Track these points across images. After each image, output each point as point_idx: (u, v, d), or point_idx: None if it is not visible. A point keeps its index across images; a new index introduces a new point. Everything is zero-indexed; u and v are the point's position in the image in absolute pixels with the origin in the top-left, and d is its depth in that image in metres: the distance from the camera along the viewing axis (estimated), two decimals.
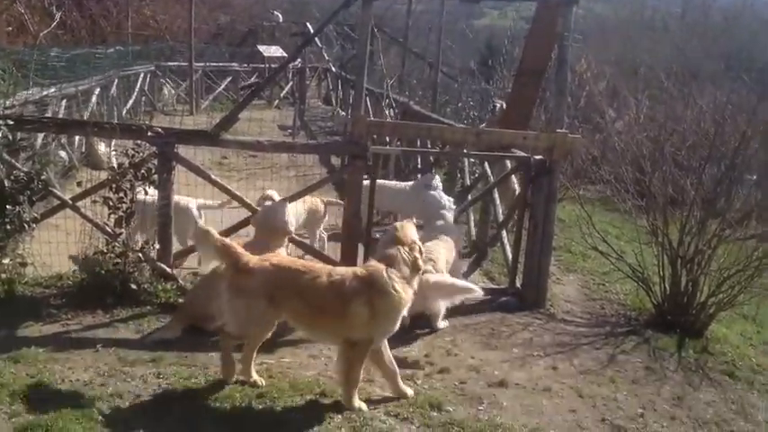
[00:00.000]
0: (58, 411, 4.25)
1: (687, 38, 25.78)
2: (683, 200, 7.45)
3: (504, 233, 8.29)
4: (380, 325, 4.64)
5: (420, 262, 4.81)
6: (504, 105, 13.33)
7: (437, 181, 8.51)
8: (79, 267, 6.56)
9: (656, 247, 7.12)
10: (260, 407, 4.58)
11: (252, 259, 4.79)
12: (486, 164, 9.65)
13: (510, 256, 7.76)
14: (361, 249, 7.20)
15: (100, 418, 4.26)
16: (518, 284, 7.39)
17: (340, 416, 4.56)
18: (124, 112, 16.97)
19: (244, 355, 4.91)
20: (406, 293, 4.63)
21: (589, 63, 15.17)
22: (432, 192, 8.09)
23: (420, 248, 4.90)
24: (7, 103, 8.25)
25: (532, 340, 6.29)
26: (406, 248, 4.76)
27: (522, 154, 7.75)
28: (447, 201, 7.70)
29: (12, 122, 6.67)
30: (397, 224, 5.07)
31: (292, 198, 7.27)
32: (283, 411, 4.57)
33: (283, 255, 5.64)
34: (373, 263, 4.77)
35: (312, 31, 21.22)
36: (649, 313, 7.12)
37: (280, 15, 29.48)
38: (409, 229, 4.91)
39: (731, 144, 8.17)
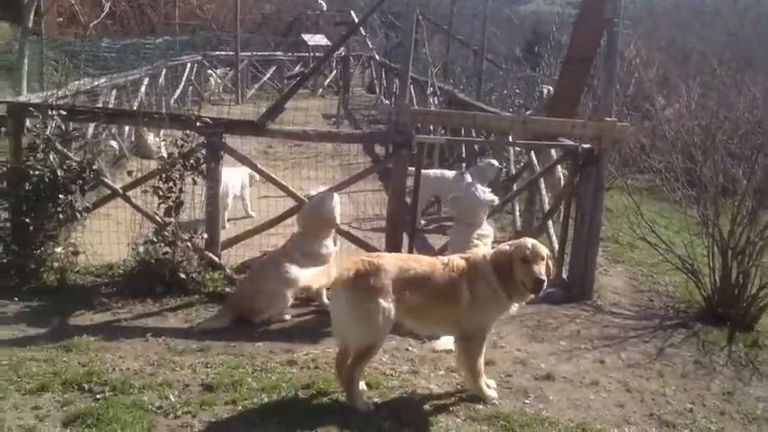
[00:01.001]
0: (108, 400, 4.36)
1: (740, 23, 25.03)
2: (734, 190, 7.28)
3: (549, 223, 8.20)
4: (483, 311, 4.68)
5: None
6: (552, 91, 13.15)
7: (491, 170, 8.32)
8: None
9: (707, 239, 6.97)
10: (306, 397, 4.63)
11: (367, 259, 4.58)
12: (533, 153, 9.56)
13: (556, 246, 7.67)
14: (405, 239, 7.21)
15: (150, 407, 4.34)
16: (564, 276, 7.32)
17: (386, 407, 4.58)
18: (172, 101, 17.18)
19: (353, 374, 4.55)
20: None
21: (639, 49, 14.89)
22: (472, 185, 7.79)
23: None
24: (59, 93, 8.44)
25: (579, 333, 6.22)
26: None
27: (570, 143, 7.65)
28: (486, 197, 7.21)
29: (64, 113, 6.84)
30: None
31: (338, 188, 7.30)
32: (330, 402, 4.60)
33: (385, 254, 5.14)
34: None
35: (356, 19, 21.20)
36: (699, 306, 6.99)
37: (324, 4, 29.51)
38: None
39: None
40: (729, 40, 20.86)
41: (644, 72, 13.58)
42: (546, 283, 4.54)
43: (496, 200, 6.98)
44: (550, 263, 4.75)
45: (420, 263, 4.69)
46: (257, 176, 8.51)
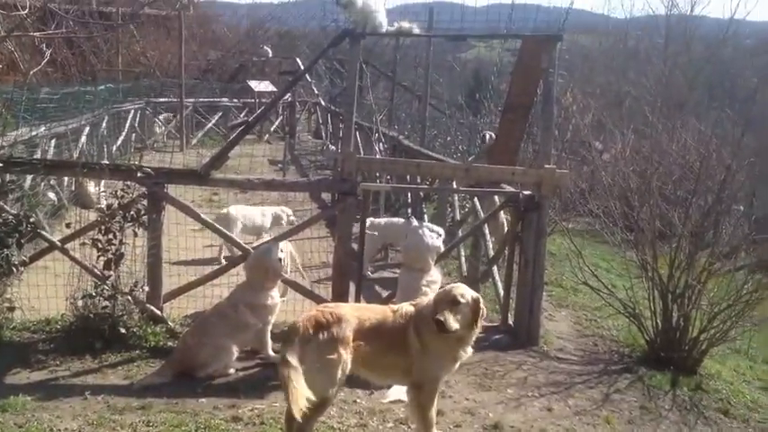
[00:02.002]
0: None
1: (671, 69, 26.08)
2: (671, 233, 7.48)
3: (494, 269, 8.28)
4: (432, 360, 4.64)
5: (480, 319, 4.69)
6: (493, 137, 13.39)
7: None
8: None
9: (647, 282, 7.13)
10: None
11: (328, 310, 4.54)
12: (476, 199, 9.69)
13: (501, 292, 7.74)
14: (352, 288, 7.18)
15: None
16: (510, 321, 7.37)
17: None
18: (114, 148, 16.94)
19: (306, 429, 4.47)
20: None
21: (575, 96, 15.34)
22: (418, 231, 7.79)
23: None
24: None
25: (527, 380, 6.25)
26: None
27: (511, 189, 7.78)
28: (434, 242, 6.97)
29: (1, 164, 6.66)
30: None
31: (283, 237, 7.25)
32: None
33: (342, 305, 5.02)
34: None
35: (302, 66, 21.36)
36: (642, 349, 7.11)
37: (269, 50, 29.63)
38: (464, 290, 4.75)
39: (717, 177, 8.25)
40: (661, 85, 21.70)
41: (580, 118, 13.97)
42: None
43: (442, 246, 7.03)
44: (482, 305, 4.68)
45: (374, 311, 4.70)
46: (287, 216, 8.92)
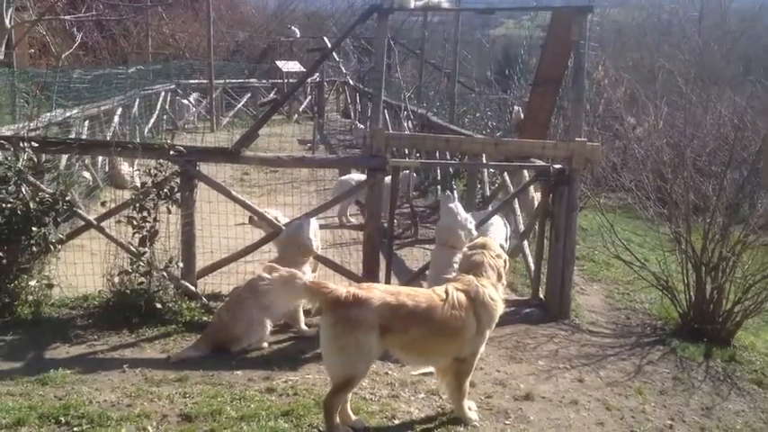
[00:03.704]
0: None
1: (705, 42, 25.55)
2: (705, 206, 7.39)
3: (525, 243, 8.26)
4: (484, 335, 4.67)
5: (503, 270, 4.87)
6: (522, 111, 13.31)
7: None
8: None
9: (680, 255, 7.06)
10: (286, 425, 4.59)
11: (351, 290, 4.38)
12: (506, 174, 9.65)
13: (532, 266, 7.73)
14: (383, 263, 7.23)
15: None
16: (541, 295, 7.37)
17: None
18: (146, 130, 17.15)
19: (333, 403, 4.38)
20: (500, 300, 4.72)
21: (606, 70, 15.10)
22: (454, 208, 7.74)
23: (506, 259, 4.98)
24: (31, 125, 8.38)
25: (558, 352, 6.25)
26: (493, 254, 4.83)
27: (542, 163, 7.74)
28: (464, 220, 6.97)
29: (36, 145, 6.79)
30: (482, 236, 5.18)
31: (314, 213, 7.30)
32: (309, 429, 4.57)
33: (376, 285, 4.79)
34: (463, 275, 4.78)
35: (329, 45, 21.34)
36: (675, 322, 7.06)
37: (297, 31, 29.67)
38: (493, 239, 4.99)
39: (752, 148, 8.12)
40: (695, 58, 21.30)
41: (612, 92, 13.77)
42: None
43: (473, 230, 6.92)
44: (504, 259, 4.94)
45: (415, 298, 4.49)
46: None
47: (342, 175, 11.68)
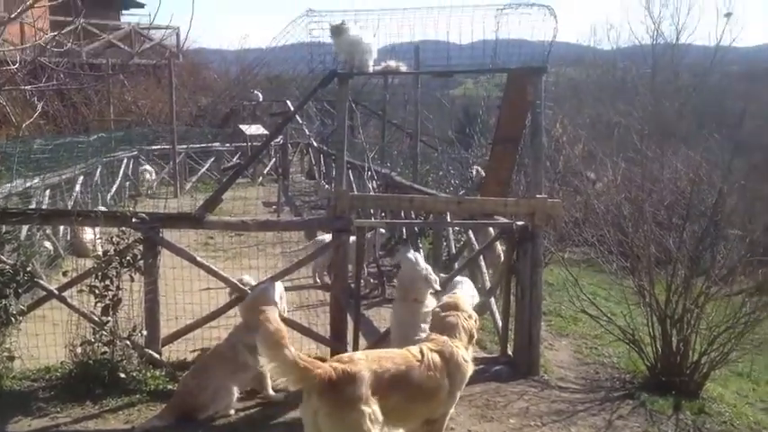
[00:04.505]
0: None
1: (658, 98, 26.42)
2: (667, 259, 7.51)
3: (492, 300, 8.29)
4: (455, 396, 4.67)
5: (475, 331, 4.92)
6: (483, 171, 13.50)
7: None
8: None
9: (645, 308, 7.14)
10: None
11: (338, 367, 4.19)
12: (470, 231, 9.73)
13: (500, 323, 7.74)
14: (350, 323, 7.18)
15: None
16: (510, 352, 7.36)
17: None
18: (108, 197, 17.00)
19: None
20: (470, 361, 4.76)
21: (565, 127, 15.50)
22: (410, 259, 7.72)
23: (476, 319, 5.03)
24: None
25: (528, 410, 6.22)
26: (465, 315, 4.85)
27: (505, 220, 7.83)
28: (425, 270, 6.81)
29: None
30: (453, 295, 5.25)
31: (280, 276, 7.26)
32: None
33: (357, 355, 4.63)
34: (435, 335, 4.76)
35: (292, 108, 21.57)
36: (643, 375, 7.10)
37: (260, 95, 29.92)
38: (465, 299, 5.03)
39: (709, 201, 8.34)
40: (650, 114, 21.96)
41: (571, 149, 14.11)
42: None
43: (435, 280, 6.88)
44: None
45: (394, 361, 4.42)
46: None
47: (308, 238, 11.68)
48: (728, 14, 44.51)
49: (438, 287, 6.56)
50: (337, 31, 7.30)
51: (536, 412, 6.17)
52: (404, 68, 8.51)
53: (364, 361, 4.32)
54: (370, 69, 7.65)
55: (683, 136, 17.98)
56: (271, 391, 6.26)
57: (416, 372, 4.43)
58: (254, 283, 7.11)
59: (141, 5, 33.52)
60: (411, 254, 6.77)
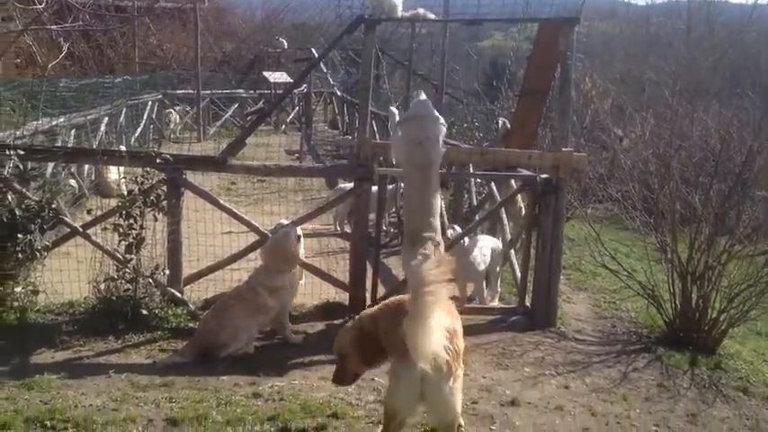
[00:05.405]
0: None
1: (693, 54, 25.81)
2: (692, 216, 7.43)
3: (512, 252, 8.28)
4: None
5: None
6: (509, 123, 13.35)
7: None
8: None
9: (666, 265, 7.09)
10: (272, 429, 4.57)
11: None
12: (493, 183, 9.67)
13: (519, 275, 7.75)
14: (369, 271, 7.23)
15: None
16: (528, 303, 7.37)
17: None
18: (133, 140, 17.09)
19: None
20: None
21: (594, 81, 15.25)
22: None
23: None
24: (17, 133, 8.34)
25: (544, 359, 6.26)
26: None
27: (528, 173, 7.77)
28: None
29: (22, 152, 6.77)
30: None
31: (301, 222, 7.29)
32: None
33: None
34: None
35: (317, 55, 21.37)
36: (661, 330, 7.09)
37: (285, 42, 29.70)
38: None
39: (738, 160, 8.19)
40: (683, 70, 21.49)
41: (600, 104, 13.89)
42: None
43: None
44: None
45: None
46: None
47: (329, 186, 11.70)
48: None
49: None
50: None
51: (551, 362, 6.20)
52: (432, 16, 8.35)
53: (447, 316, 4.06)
54: (399, 15, 7.53)
55: (717, 93, 17.59)
56: (290, 333, 6.35)
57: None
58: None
59: None
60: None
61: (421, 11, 8.37)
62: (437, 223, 6.10)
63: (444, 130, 6.44)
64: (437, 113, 6.49)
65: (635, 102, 14.99)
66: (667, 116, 10.79)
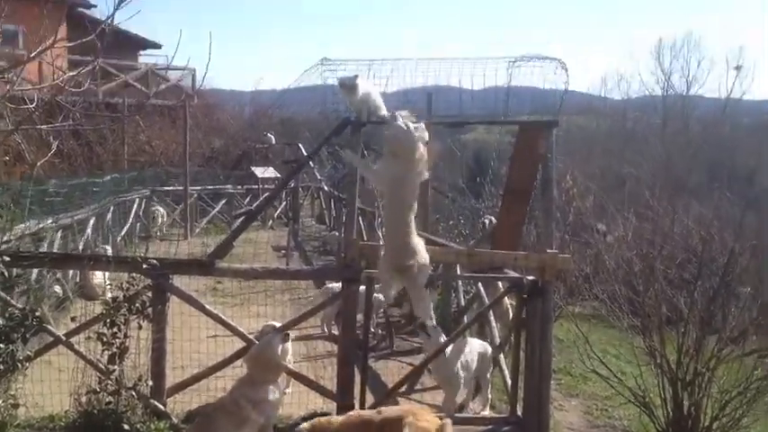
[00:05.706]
0: None
1: (669, 149, 26.47)
2: (678, 318, 7.44)
3: (501, 356, 8.20)
4: None
5: None
6: (494, 221, 13.48)
7: None
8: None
9: (656, 369, 7.05)
10: None
11: None
12: (480, 284, 9.68)
13: (509, 381, 7.64)
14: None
15: None
16: (519, 412, 7.24)
17: None
18: (119, 238, 17.05)
19: None
20: None
21: (575, 179, 15.50)
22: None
23: None
24: (4, 238, 8.30)
25: None
26: None
27: (515, 274, 7.78)
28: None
29: (8, 259, 6.71)
30: None
31: (291, 325, 7.21)
32: None
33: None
34: None
35: (305, 152, 21.73)
36: None
37: (272, 137, 30.18)
38: None
39: (721, 260, 8.28)
40: (659, 167, 21.98)
41: (581, 202, 14.09)
42: None
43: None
44: None
45: None
46: None
47: (316, 285, 11.65)
48: (738, 67, 44.92)
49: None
50: (348, 90, 7.32)
51: None
52: (413, 120, 8.55)
53: None
54: (384, 114, 7.67)
55: (694, 189, 17.96)
56: None
57: None
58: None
59: (159, 46, 33.99)
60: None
61: (404, 113, 8.58)
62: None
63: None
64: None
65: (616, 199, 15.24)
66: (648, 215, 10.95)
